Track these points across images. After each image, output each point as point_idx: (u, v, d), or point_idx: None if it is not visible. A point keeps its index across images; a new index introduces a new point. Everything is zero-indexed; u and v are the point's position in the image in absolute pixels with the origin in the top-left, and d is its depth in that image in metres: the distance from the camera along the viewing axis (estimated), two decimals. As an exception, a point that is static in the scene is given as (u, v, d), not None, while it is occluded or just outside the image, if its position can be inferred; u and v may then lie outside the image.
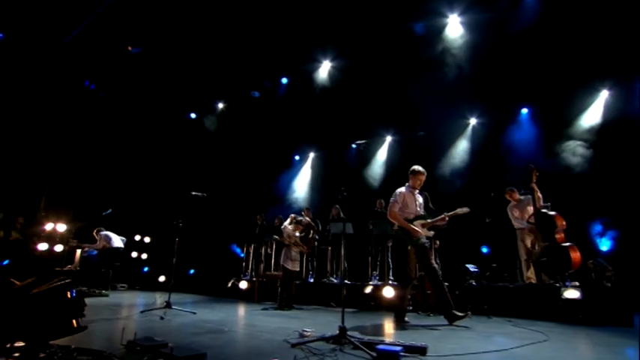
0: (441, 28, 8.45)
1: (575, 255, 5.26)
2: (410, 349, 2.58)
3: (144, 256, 10.04)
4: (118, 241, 8.38)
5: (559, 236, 5.34)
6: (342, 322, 2.92)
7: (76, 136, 9.67)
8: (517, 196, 6.21)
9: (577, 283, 5.23)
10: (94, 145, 9.98)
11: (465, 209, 4.36)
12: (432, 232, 4.43)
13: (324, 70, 9.89)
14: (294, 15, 8.69)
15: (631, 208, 6.37)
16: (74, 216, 8.99)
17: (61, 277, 3.04)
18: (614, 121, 7.22)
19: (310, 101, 9.99)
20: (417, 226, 4.22)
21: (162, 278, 8.78)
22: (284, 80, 10.39)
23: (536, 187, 5.65)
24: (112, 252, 8.17)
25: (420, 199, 4.56)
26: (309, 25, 8.87)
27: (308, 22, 8.80)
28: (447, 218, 4.42)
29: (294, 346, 2.83)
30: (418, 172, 4.47)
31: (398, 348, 2.53)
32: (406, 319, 4.20)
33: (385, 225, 6.97)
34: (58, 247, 8.37)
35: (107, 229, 8.31)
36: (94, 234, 8.16)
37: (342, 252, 3.72)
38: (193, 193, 5.43)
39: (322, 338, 2.96)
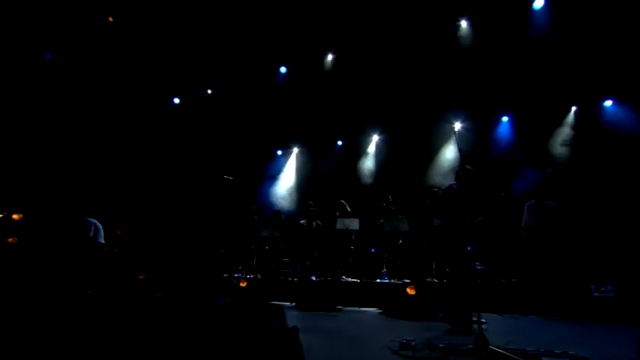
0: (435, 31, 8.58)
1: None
2: (574, 360, 2.41)
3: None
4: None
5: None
6: (479, 329, 2.63)
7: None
8: None
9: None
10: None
11: None
12: None
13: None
14: (288, 8, 8.35)
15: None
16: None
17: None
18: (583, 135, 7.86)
19: (297, 96, 9.68)
20: None
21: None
22: (282, 70, 9.86)
23: None
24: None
25: None
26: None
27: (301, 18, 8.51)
28: None
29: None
30: None
31: (563, 360, 2.35)
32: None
33: (397, 222, 6.85)
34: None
35: None
36: None
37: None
38: (225, 176, 4.67)
39: (453, 350, 2.65)
